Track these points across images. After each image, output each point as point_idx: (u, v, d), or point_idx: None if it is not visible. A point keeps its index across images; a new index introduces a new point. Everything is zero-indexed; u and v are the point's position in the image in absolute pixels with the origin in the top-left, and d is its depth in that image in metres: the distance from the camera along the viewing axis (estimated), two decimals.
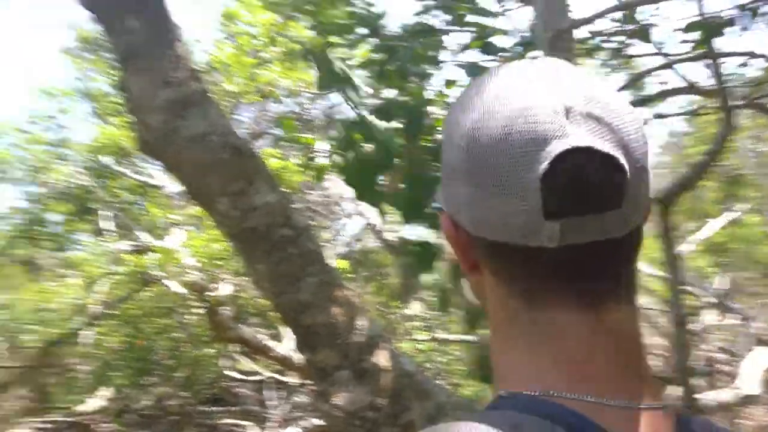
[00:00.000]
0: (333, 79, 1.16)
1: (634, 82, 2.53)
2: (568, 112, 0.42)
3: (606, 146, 0.41)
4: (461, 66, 1.17)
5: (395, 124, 1.07)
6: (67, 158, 7.19)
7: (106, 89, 9.10)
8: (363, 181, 1.07)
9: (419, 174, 1.07)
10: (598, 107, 0.43)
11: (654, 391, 0.49)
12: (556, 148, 0.41)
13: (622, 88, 2.39)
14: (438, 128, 1.31)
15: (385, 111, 1.12)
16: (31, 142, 7.01)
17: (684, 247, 5.40)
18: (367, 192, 1.07)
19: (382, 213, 1.11)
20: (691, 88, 2.67)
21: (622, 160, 0.42)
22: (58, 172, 6.90)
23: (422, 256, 1.09)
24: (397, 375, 1.61)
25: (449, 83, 1.22)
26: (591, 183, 0.41)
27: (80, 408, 5.38)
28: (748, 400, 3.49)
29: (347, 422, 1.56)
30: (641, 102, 2.77)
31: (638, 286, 0.51)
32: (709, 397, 3.34)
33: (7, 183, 7.40)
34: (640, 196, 0.45)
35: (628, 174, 0.42)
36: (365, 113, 1.11)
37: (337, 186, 6.14)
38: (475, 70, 1.16)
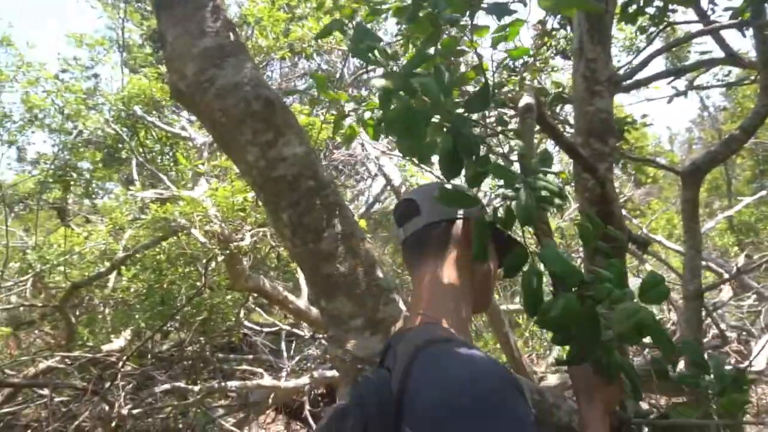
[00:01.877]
0: (367, 49, 1.17)
1: (671, 47, 2.46)
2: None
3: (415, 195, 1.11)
4: (486, 9, 1.16)
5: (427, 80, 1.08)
6: (99, 107, 7.31)
7: (138, 40, 9.16)
8: (410, 133, 1.06)
9: (456, 118, 1.07)
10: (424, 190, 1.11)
11: (427, 308, 0.97)
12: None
13: (658, 53, 2.33)
14: (470, 81, 1.32)
15: (413, 68, 1.13)
16: (65, 90, 7.12)
17: (710, 224, 5.34)
18: (415, 145, 1.07)
19: (426, 165, 1.15)
20: (732, 58, 2.59)
21: (418, 198, 1.10)
22: (90, 120, 7.04)
23: (463, 203, 1.09)
24: None
25: (479, 30, 1.21)
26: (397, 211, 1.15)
27: (104, 347, 5.62)
28: (755, 377, 3.51)
29: (358, 368, 1.60)
30: (677, 71, 2.70)
31: (445, 251, 1.03)
32: None
33: (41, 129, 7.57)
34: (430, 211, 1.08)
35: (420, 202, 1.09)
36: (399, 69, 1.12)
37: (361, 146, 6.16)
38: (499, 10, 1.15)
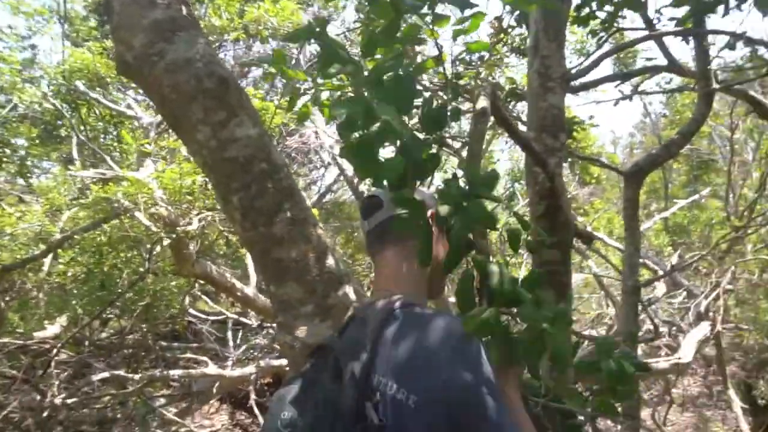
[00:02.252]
0: (335, 60, 1.17)
1: (620, 50, 2.55)
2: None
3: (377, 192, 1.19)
4: (449, 1, 1.17)
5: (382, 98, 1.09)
6: (36, 80, 6.89)
7: (82, 11, 8.68)
8: (365, 159, 1.11)
9: (410, 140, 1.10)
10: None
11: (393, 283, 1.10)
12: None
13: (606, 55, 2.42)
14: (429, 69, 1.32)
15: (375, 81, 1.13)
16: None
17: (647, 224, 5.62)
18: (369, 169, 1.11)
19: (378, 185, 1.17)
20: (673, 66, 2.71)
21: (380, 194, 1.18)
22: (26, 93, 6.62)
23: (413, 211, 1.14)
24: None
25: (440, 19, 1.22)
26: (362, 206, 1.24)
27: (36, 334, 5.34)
28: (680, 368, 3.73)
29: (306, 354, 1.60)
30: (624, 75, 2.81)
31: (405, 239, 1.14)
32: (648, 363, 3.56)
33: None
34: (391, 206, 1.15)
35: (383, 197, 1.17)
36: (364, 91, 1.12)
37: (315, 134, 6.09)
38: (461, 2, 1.17)
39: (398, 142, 1.12)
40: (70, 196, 5.43)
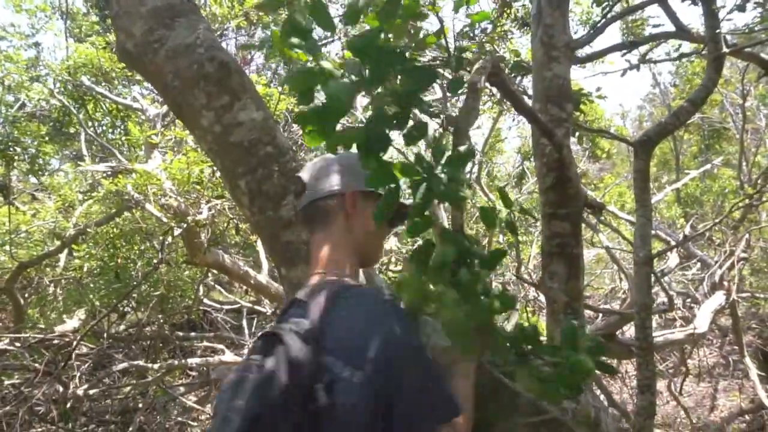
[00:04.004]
0: (295, 33, 1.13)
1: (625, 14, 2.50)
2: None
3: (304, 176, 1.28)
4: None
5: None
6: (43, 78, 6.92)
7: (83, 7, 8.68)
8: (319, 131, 1.09)
9: (380, 113, 1.07)
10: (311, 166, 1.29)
11: (326, 267, 1.16)
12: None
13: (611, 21, 2.37)
14: (430, 45, 1.30)
15: (359, 49, 1.09)
16: (5, 60, 6.70)
17: (658, 196, 5.56)
18: (325, 140, 1.09)
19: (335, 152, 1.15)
20: (681, 32, 2.65)
21: (305, 177, 1.26)
22: (34, 91, 6.66)
23: (380, 171, 1.10)
24: None
25: None
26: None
27: (56, 329, 5.43)
28: (696, 338, 3.72)
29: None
30: (631, 44, 2.76)
31: (330, 221, 1.20)
32: (662, 334, 3.55)
33: None
34: (313, 189, 1.22)
35: (307, 181, 1.25)
36: (324, 61, 1.08)
37: None
38: None
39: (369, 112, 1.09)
40: (81, 191, 5.48)
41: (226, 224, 4.92)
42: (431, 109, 1.24)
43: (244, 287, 6.47)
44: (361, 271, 1.77)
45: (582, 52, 2.74)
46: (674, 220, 8.72)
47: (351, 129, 1.06)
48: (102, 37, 7.08)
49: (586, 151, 8.64)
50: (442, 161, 1.08)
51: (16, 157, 7.27)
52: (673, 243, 4.81)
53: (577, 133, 3.63)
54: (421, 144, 1.14)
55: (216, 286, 7.07)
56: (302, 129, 1.08)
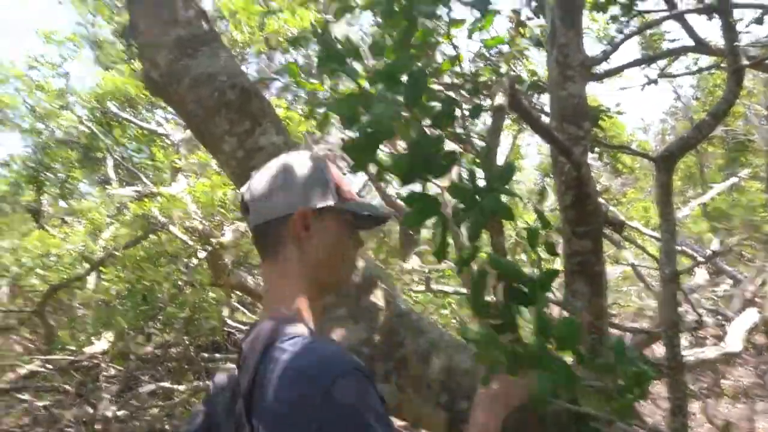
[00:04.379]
0: (333, 59, 1.17)
1: (642, 30, 2.48)
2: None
3: (246, 194, 1.04)
4: (467, 3, 1.18)
5: (395, 94, 1.09)
6: (72, 105, 7.17)
7: (109, 36, 8.99)
8: (362, 155, 1.11)
9: (420, 137, 1.10)
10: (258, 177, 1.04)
11: (273, 305, 0.98)
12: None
13: (627, 38, 2.36)
14: (445, 71, 1.33)
15: (387, 76, 1.14)
16: (36, 89, 6.97)
17: (684, 211, 5.47)
18: (362, 165, 1.12)
19: (381, 179, 1.16)
20: (700, 46, 2.63)
21: (246, 198, 1.03)
22: (63, 118, 6.90)
23: (423, 207, 1.13)
24: (392, 313, 1.68)
25: (456, 23, 1.22)
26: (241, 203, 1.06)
27: (85, 350, 5.54)
28: (729, 357, 3.61)
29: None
30: (649, 59, 2.74)
31: (278, 250, 1.02)
32: (693, 353, 3.46)
33: (11, 129, 7.41)
34: (256, 212, 1.02)
35: (249, 202, 1.02)
36: (366, 85, 1.13)
37: (342, 140, 6.15)
38: (481, 4, 1.17)
39: (410, 138, 1.12)
40: (109, 214, 5.62)
41: (249, 246, 4.99)
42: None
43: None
44: (380, 294, 1.78)
45: (599, 68, 2.74)
46: (701, 236, 8.54)
47: (394, 155, 1.10)
48: (127, 64, 7.32)
49: (607, 166, 8.55)
50: (488, 178, 1.10)
51: (47, 183, 7.52)
52: (700, 258, 4.71)
53: (596, 150, 3.61)
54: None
55: (240, 307, 7.13)
56: (349, 156, 1.10)
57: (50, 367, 4.83)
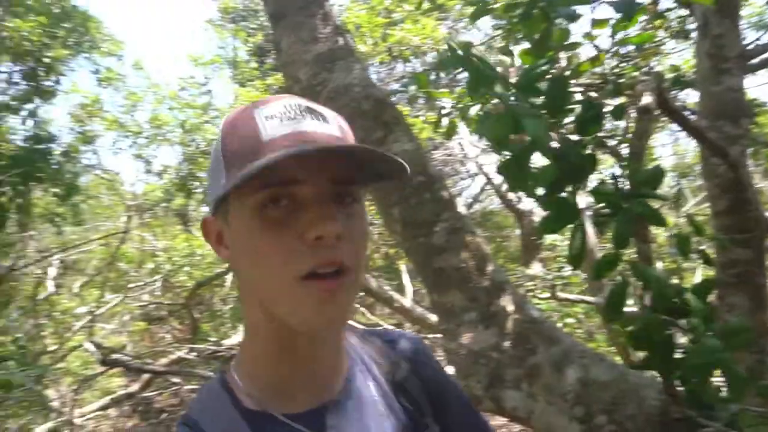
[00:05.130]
0: (482, 83, 1.20)
1: None
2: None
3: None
4: (612, 3, 1.13)
5: (539, 108, 1.09)
6: (214, 120, 7.93)
7: (245, 56, 9.81)
8: (519, 174, 1.13)
9: (565, 147, 1.09)
10: None
11: None
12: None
13: None
14: (585, 71, 1.29)
15: (526, 86, 1.13)
16: (185, 107, 7.81)
17: None
18: (520, 183, 1.13)
19: (533, 196, 1.15)
20: None
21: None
22: (208, 132, 7.65)
23: (561, 212, 1.12)
24: (522, 320, 1.64)
25: (599, 23, 1.18)
26: None
27: (225, 341, 6.07)
28: None
29: (472, 361, 1.60)
30: None
31: None
32: None
33: (165, 143, 8.37)
34: None
35: None
36: (514, 106, 1.13)
37: (461, 145, 6.14)
38: (627, 6, 1.12)
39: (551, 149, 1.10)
40: None
41: (372, 251, 5.15)
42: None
43: (387, 310, 6.66)
44: (509, 299, 1.75)
45: (755, 59, 2.46)
46: None
47: (541, 169, 1.10)
48: (261, 80, 7.91)
49: (761, 166, 7.60)
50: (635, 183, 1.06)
51: (193, 190, 8.36)
52: None
53: (750, 149, 3.24)
54: None
55: (359, 307, 7.39)
56: (505, 177, 1.14)
57: (195, 354, 5.36)
